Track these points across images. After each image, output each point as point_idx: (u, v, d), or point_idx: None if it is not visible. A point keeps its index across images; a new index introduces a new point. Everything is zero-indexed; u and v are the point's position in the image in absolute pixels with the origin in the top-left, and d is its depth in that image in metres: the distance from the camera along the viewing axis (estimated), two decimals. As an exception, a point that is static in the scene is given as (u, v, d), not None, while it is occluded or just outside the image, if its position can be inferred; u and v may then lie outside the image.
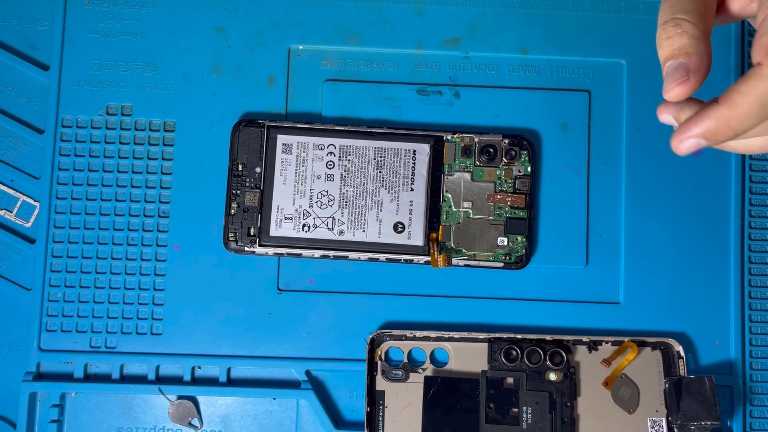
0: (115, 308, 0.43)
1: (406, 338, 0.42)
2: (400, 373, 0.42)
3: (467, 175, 0.42)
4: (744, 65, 0.44)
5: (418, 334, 0.42)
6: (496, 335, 0.42)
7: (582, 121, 0.44)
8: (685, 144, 0.30)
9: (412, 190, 0.42)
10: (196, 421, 0.42)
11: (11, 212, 0.43)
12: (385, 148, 0.42)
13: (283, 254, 0.42)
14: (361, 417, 0.42)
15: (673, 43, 0.31)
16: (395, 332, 0.42)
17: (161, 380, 0.43)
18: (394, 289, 0.43)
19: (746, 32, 0.45)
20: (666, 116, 0.32)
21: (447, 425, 0.41)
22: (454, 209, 0.42)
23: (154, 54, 0.44)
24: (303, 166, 0.42)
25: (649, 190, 0.44)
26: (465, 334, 0.42)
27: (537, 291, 0.43)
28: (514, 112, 0.43)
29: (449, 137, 0.42)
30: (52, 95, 0.43)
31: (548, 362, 0.41)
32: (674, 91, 0.31)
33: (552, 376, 0.41)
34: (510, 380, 0.41)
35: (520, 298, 0.43)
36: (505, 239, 0.42)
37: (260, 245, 0.42)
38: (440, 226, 0.42)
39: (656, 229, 0.43)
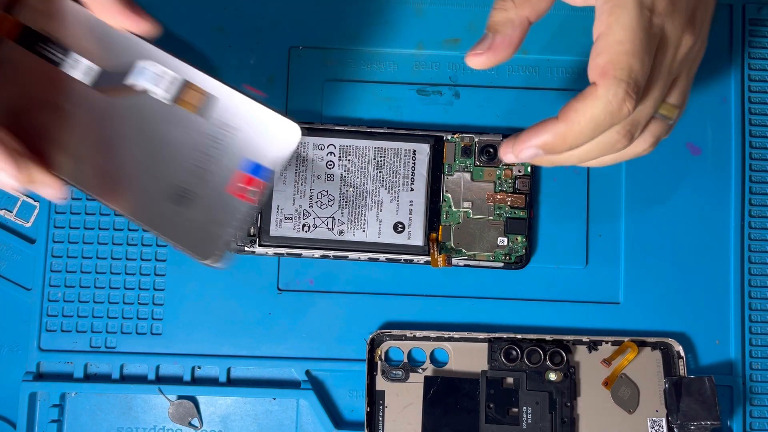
0: (115, 308, 0.43)
1: (406, 338, 0.42)
2: (400, 373, 0.42)
3: (467, 175, 0.42)
4: (744, 62, 0.44)
5: (418, 334, 0.42)
6: (496, 335, 0.42)
7: (582, 121, 0.43)
8: (524, 153, 0.32)
9: (412, 190, 0.42)
10: (196, 421, 0.42)
11: (11, 212, 0.43)
12: (385, 148, 0.42)
13: (283, 254, 0.42)
14: (361, 417, 0.42)
15: (493, 15, 0.33)
16: (395, 332, 0.42)
17: (161, 380, 0.43)
18: (394, 289, 0.43)
19: (747, 36, 0.45)
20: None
21: (447, 425, 0.41)
22: (454, 209, 0.42)
23: (154, 54, 0.44)
24: (303, 166, 0.42)
25: (649, 190, 0.44)
26: (465, 334, 0.42)
27: (537, 291, 0.43)
28: (514, 112, 0.43)
29: (449, 137, 0.42)
30: (52, 95, 0.43)
31: (548, 362, 0.41)
32: (468, 58, 0.33)
33: (552, 376, 0.41)
34: (510, 380, 0.41)
35: (520, 298, 0.43)
36: (505, 239, 0.42)
37: (260, 245, 0.42)
38: (440, 226, 0.42)
39: (656, 229, 0.43)
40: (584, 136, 0.31)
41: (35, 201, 0.43)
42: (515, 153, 0.33)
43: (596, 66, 0.30)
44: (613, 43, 0.30)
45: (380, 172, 0.42)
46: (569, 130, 0.31)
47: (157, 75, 0.33)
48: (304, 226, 0.42)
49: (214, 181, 0.33)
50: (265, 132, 0.34)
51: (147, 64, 0.33)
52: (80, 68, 0.33)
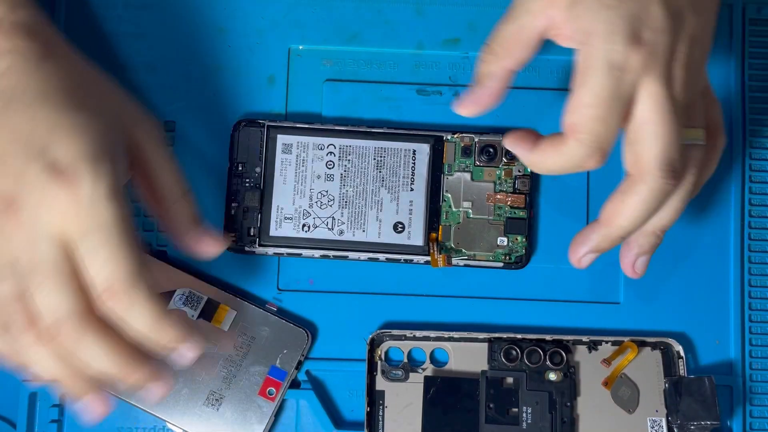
0: (115, 308, 0.43)
1: (406, 338, 0.42)
2: (400, 373, 0.42)
3: (467, 175, 0.42)
4: (744, 62, 0.44)
5: (418, 334, 0.42)
6: (496, 335, 0.42)
7: (582, 121, 0.43)
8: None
9: (412, 190, 0.42)
10: (196, 421, 0.43)
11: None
12: (385, 148, 0.42)
13: (283, 254, 0.42)
14: (361, 417, 0.42)
15: (479, 68, 0.36)
16: (395, 332, 0.42)
17: (161, 380, 0.42)
18: (394, 289, 0.43)
19: (747, 36, 0.45)
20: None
21: (447, 425, 0.41)
22: (454, 209, 0.42)
23: (154, 54, 0.44)
24: (303, 166, 0.42)
25: (649, 190, 0.43)
26: (465, 334, 0.42)
27: (537, 291, 0.43)
28: (513, 112, 0.43)
29: (449, 137, 0.42)
30: (52, 95, 0.43)
31: (548, 362, 0.41)
32: (457, 108, 0.37)
33: (552, 376, 0.41)
34: (510, 380, 0.41)
35: (520, 298, 0.43)
36: (505, 239, 0.42)
37: (260, 245, 0.42)
38: (440, 226, 0.42)
39: (656, 229, 0.43)
40: (546, 170, 0.35)
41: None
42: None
43: (565, 123, 0.32)
44: (581, 106, 0.32)
45: (380, 172, 0.42)
46: (535, 160, 0.34)
47: (186, 297, 0.41)
48: (304, 226, 0.42)
49: (240, 384, 0.41)
50: (278, 339, 0.41)
51: (182, 291, 0.41)
52: None
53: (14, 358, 0.33)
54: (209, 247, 0.37)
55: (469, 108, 0.37)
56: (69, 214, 0.30)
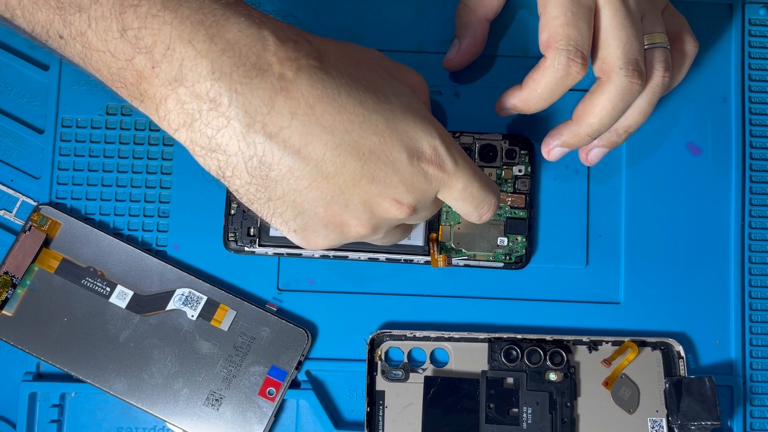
0: (115, 308, 0.43)
1: (406, 338, 0.42)
2: (400, 373, 0.42)
3: (467, 175, 0.42)
4: (744, 62, 0.44)
5: (418, 334, 0.42)
6: (496, 335, 0.42)
7: (582, 121, 0.43)
8: (503, 112, 0.39)
9: (412, 190, 0.42)
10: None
11: (11, 212, 0.43)
12: (385, 148, 0.42)
13: (283, 254, 0.42)
14: (361, 417, 0.42)
15: (455, 23, 0.42)
16: (395, 332, 0.42)
17: (161, 380, 0.42)
18: (394, 289, 0.43)
19: (747, 36, 0.45)
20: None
21: (447, 425, 0.41)
22: (454, 209, 0.42)
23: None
24: (303, 166, 0.42)
25: (649, 190, 0.44)
26: (465, 334, 0.41)
27: (537, 291, 0.43)
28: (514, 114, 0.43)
29: (449, 137, 0.42)
30: (52, 95, 0.43)
31: (548, 362, 0.41)
32: (444, 63, 0.42)
33: (552, 376, 0.41)
34: (510, 380, 0.41)
35: (520, 298, 0.43)
36: (505, 239, 0.42)
37: (260, 245, 0.42)
38: (440, 226, 0.42)
39: (656, 229, 0.43)
40: (543, 100, 0.36)
41: (34, 201, 0.43)
42: (500, 113, 0.39)
43: (541, 42, 0.35)
44: (550, 19, 0.35)
45: (380, 172, 0.42)
46: (530, 96, 0.36)
47: (186, 297, 0.41)
48: (304, 226, 0.42)
49: (239, 384, 0.41)
50: (278, 339, 0.41)
51: (182, 291, 0.41)
52: (119, 295, 0.41)
53: None
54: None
55: (454, 61, 0.42)
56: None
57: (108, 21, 0.29)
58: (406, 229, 0.37)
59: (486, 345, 0.42)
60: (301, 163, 0.30)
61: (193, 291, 0.41)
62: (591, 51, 0.36)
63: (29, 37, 0.31)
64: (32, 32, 0.30)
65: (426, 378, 0.41)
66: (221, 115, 0.29)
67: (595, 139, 0.38)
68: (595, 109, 0.36)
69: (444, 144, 0.32)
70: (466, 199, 0.34)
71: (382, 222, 0.33)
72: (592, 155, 0.40)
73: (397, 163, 0.31)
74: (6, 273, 0.41)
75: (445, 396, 0.41)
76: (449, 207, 0.42)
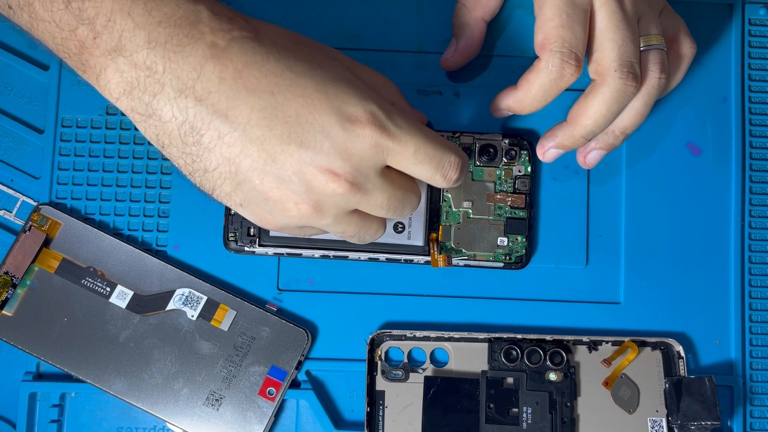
0: (115, 308, 0.43)
1: (406, 338, 0.42)
2: (400, 373, 0.42)
3: (467, 175, 0.42)
4: (744, 62, 0.44)
5: (418, 334, 0.42)
6: (496, 335, 0.42)
7: (582, 121, 0.43)
8: (498, 113, 0.39)
9: (412, 190, 0.42)
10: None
11: (11, 212, 0.43)
12: (385, 148, 0.42)
13: (283, 254, 0.42)
14: (361, 417, 0.42)
15: (453, 23, 0.42)
16: (395, 332, 0.42)
17: (161, 380, 0.42)
18: (394, 289, 0.43)
19: (747, 36, 0.45)
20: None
21: (447, 425, 0.41)
22: (454, 209, 0.42)
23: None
24: (303, 166, 0.42)
25: (649, 190, 0.44)
26: (465, 334, 0.41)
27: (537, 291, 0.43)
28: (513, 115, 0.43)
29: (449, 137, 0.42)
30: (52, 95, 0.43)
31: (548, 362, 0.41)
32: (442, 63, 0.42)
33: (552, 376, 0.41)
34: (510, 380, 0.41)
35: (520, 298, 0.43)
36: (505, 239, 0.42)
37: (260, 245, 0.42)
38: (440, 226, 0.42)
39: (656, 229, 0.43)
40: (537, 101, 0.36)
41: (34, 201, 0.43)
42: (494, 113, 0.40)
43: (536, 43, 0.36)
44: (545, 21, 0.35)
45: (380, 172, 0.42)
46: (525, 97, 0.36)
47: (186, 297, 0.41)
48: (304, 226, 0.42)
49: (239, 384, 0.41)
50: (278, 339, 0.41)
51: (182, 291, 0.41)
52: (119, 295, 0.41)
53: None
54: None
55: (451, 61, 0.42)
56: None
57: None
58: (367, 220, 0.35)
59: (486, 345, 0.42)
60: (229, 127, 0.31)
61: (193, 291, 0.41)
62: (586, 52, 0.36)
63: None
64: None
65: (426, 378, 0.41)
66: (156, 82, 0.31)
67: (590, 140, 0.38)
68: (589, 111, 0.36)
69: (382, 109, 0.32)
70: (422, 162, 0.33)
71: (322, 199, 0.32)
72: (590, 158, 0.40)
73: (327, 127, 0.31)
74: (6, 273, 0.41)
75: (445, 396, 0.41)
76: (449, 207, 0.42)
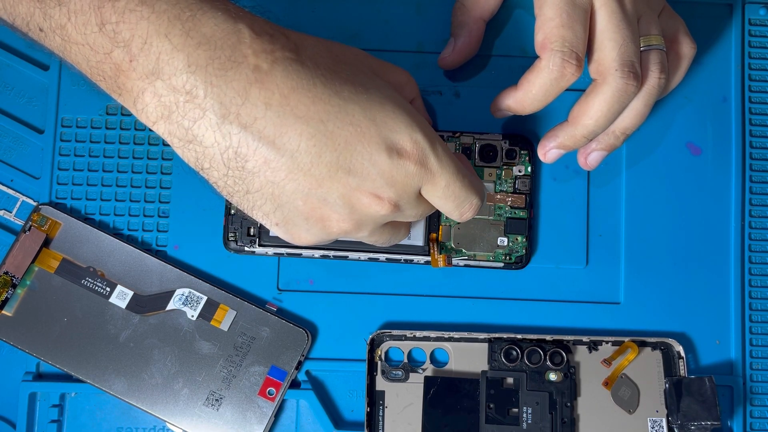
0: (115, 308, 0.43)
1: (406, 338, 0.42)
2: (400, 373, 0.42)
3: (467, 175, 0.42)
4: (744, 62, 0.44)
5: (418, 334, 0.42)
6: (496, 335, 0.42)
7: (582, 121, 0.43)
8: (498, 113, 0.40)
9: (412, 190, 0.42)
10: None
11: (11, 212, 0.43)
12: (385, 148, 0.42)
13: (283, 254, 0.42)
14: (361, 417, 0.42)
15: (451, 22, 0.42)
16: (395, 332, 0.42)
17: (161, 380, 0.42)
18: (394, 289, 0.43)
19: (747, 36, 0.45)
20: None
21: (447, 425, 0.41)
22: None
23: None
24: (303, 166, 0.42)
25: (649, 190, 0.44)
26: (465, 334, 0.41)
27: (537, 291, 0.43)
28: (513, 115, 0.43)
29: (449, 137, 0.42)
30: (52, 95, 0.43)
31: (548, 362, 0.41)
32: (440, 62, 0.42)
33: (552, 376, 0.41)
34: (510, 380, 0.41)
35: (520, 298, 0.43)
36: (505, 239, 0.42)
37: (260, 245, 0.42)
38: (440, 226, 0.42)
39: (656, 229, 0.43)
40: (538, 101, 0.37)
41: (34, 201, 0.43)
42: (495, 114, 0.40)
43: (537, 43, 0.36)
44: (546, 21, 0.35)
45: (380, 172, 0.42)
46: (525, 97, 0.37)
47: (186, 297, 0.41)
48: (304, 226, 0.42)
49: (239, 384, 0.41)
50: (278, 339, 0.41)
51: (182, 291, 0.41)
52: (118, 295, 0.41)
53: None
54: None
55: (449, 60, 0.42)
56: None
57: (87, 15, 0.29)
58: (398, 227, 0.37)
59: (486, 345, 0.42)
60: (276, 154, 0.30)
61: (193, 291, 0.41)
62: (587, 52, 0.36)
63: (9, 27, 0.31)
64: (13, 24, 0.31)
65: (426, 378, 0.41)
66: (197, 107, 0.29)
67: (591, 140, 0.38)
68: (591, 111, 0.36)
69: (427, 138, 0.32)
70: (447, 198, 0.33)
71: (364, 218, 0.32)
72: (591, 159, 0.40)
73: (374, 155, 0.31)
74: (6, 273, 0.41)
75: (445, 396, 0.41)
76: (449, 207, 0.42)
